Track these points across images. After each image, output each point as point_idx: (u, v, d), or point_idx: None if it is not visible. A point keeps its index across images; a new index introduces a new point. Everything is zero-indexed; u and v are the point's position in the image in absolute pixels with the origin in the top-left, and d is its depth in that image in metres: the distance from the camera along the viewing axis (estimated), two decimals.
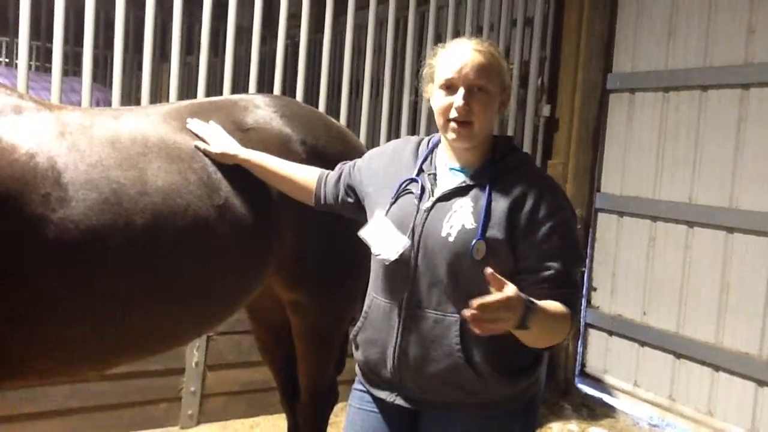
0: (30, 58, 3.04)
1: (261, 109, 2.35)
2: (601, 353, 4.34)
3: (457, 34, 4.21)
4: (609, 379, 4.26)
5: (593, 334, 4.40)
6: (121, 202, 1.93)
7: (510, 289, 1.46)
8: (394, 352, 1.74)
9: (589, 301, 4.40)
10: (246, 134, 2.23)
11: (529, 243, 1.67)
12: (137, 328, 2.04)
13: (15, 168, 1.81)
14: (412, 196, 1.77)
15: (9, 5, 2.97)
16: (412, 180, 1.80)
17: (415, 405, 1.76)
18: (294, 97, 3.60)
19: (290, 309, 2.45)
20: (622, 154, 4.24)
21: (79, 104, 3.11)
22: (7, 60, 4.60)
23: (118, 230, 1.92)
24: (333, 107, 3.92)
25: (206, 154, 2.13)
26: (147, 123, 2.13)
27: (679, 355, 3.85)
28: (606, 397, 4.21)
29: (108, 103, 3.29)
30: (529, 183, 1.71)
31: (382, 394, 1.80)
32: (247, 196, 2.16)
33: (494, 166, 1.75)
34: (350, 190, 1.98)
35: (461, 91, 1.70)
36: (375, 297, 1.81)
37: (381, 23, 4.09)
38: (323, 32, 3.68)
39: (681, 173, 3.88)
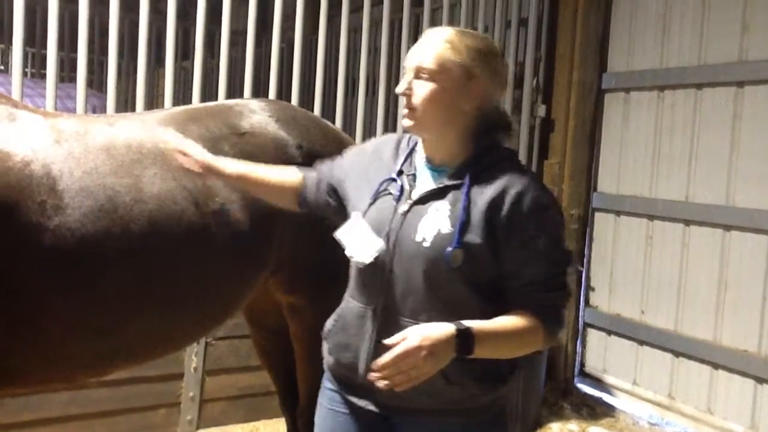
0: (25, 65, 3.03)
1: (257, 114, 2.34)
2: (600, 353, 4.34)
3: None
4: (608, 379, 4.26)
5: (592, 333, 4.40)
6: (117, 209, 1.93)
7: (409, 341, 1.44)
8: (367, 358, 1.64)
9: (587, 301, 4.40)
10: (242, 139, 2.22)
11: (510, 245, 1.58)
12: (134, 334, 2.04)
13: (10, 176, 1.81)
14: (391, 198, 1.70)
15: (3, 12, 2.95)
16: (392, 180, 1.73)
17: (386, 411, 1.70)
18: (289, 98, 3.61)
19: (288, 312, 2.44)
20: (619, 154, 4.24)
21: (75, 110, 3.10)
22: (1, 67, 4.59)
23: (114, 237, 1.92)
24: (329, 108, 3.92)
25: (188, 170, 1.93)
26: (142, 129, 2.13)
27: (677, 354, 3.85)
28: (605, 397, 4.22)
29: (104, 109, 3.28)
30: (509, 182, 1.61)
31: (353, 399, 1.74)
32: (242, 201, 2.16)
33: (473, 164, 1.65)
34: (331, 191, 1.87)
35: (408, 76, 1.66)
36: (350, 300, 1.75)
37: (376, 25, 4.09)
38: (318, 33, 3.68)
39: (677, 172, 3.89)
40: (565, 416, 4.03)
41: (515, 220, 1.58)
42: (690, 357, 3.79)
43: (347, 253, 1.69)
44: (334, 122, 3.25)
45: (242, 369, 3.36)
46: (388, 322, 1.62)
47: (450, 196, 1.63)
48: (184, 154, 1.91)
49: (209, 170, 1.90)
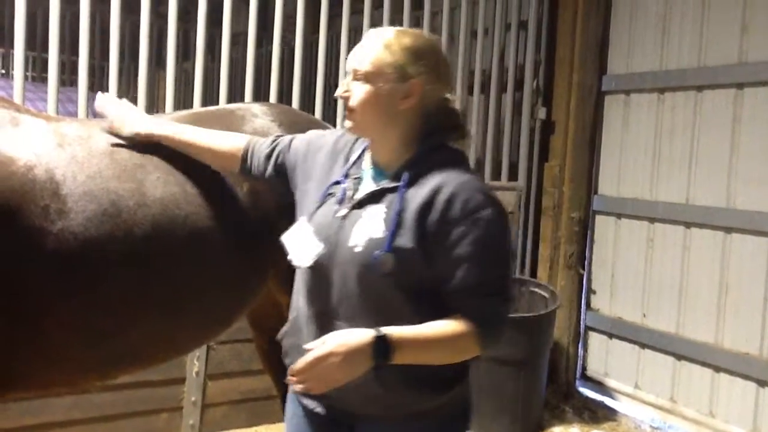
0: (26, 69, 3.02)
1: (259, 118, 2.34)
2: (602, 356, 4.34)
3: (452, 38, 4.23)
4: (610, 382, 4.26)
5: (593, 336, 4.40)
6: (120, 214, 1.92)
7: (324, 346, 1.45)
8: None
9: (588, 304, 4.40)
10: None
11: (440, 249, 1.55)
12: (137, 338, 2.03)
13: (13, 180, 1.80)
14: (334, 201, 1.70)
15: (3, 16, 2.95)
16: (338, 183, 1.72)
17: (335, 415, 1.69)
18: (290, 101, 3.61)
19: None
20: (619, 156, 4.24)
21: (76, 114, 3.10)
22: (3, 71, 4.58)
23: (117, 242, 1.91)
24: (329, 111, 3.92)
25: (118, 136, 2.05)
26: None
27: (679, 357, 3.85)
28: (607, 400, 4.21)
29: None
30: (442, 184, 1.57)
31: (306, 401, 1.74)
32: (245, 205, 2.15)
33: (412, 166, 1.62)
34: (281, 169, 1.90)
35: (347, 78, 1.67)
36: (300, 303, 1.75)
37: (376, 27, 4.08)
38: (318, 35, 3.68)
39: (678, 174, 3.89)
40: (567, 420, 4.03)
41: (445, 223, 1.54)
42: (691, 360, 3.79)
43: (289, 257, 1.71)
44: (334, 125, 3.25)
45: (244, 373, 3.35)
46: (327, 327, 1.61)
47: (386, 199, 1.61)
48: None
49: (144, 137, 2.04)
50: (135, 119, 2.09)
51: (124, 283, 1.94)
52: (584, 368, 4.45)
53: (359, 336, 1.47)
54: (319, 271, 1.66)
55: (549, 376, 4.05)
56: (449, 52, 4.21)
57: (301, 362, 1.46)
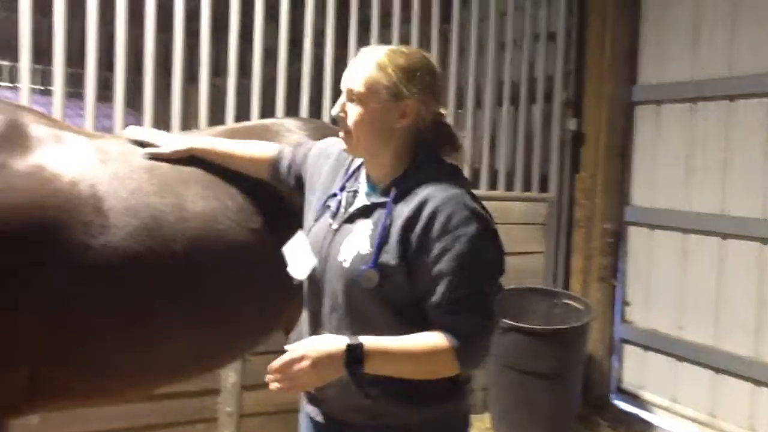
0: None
1: (293, 133, 2.37)
2: (637, 368, 4.28)
3: (481, 50, 4.23)
4: (646, 395, 4.19)
5: (628, 349, 4.34)
6: (161, 229, 1.95)
7: (297, 350, 1.48)
8: None
9: (622, 316, 4.35)
10: None
11: (422, 264, 1.55)
12: (176, 351, 2.06)
13: (59, 197, 1.84)
14: (329, 214, 1.73)
15: (42, 34, 3.03)
16: (334, 196, 1.75)
17: (334, 423, 1.71)
18: (320, 115, 3.64)
19: None
20: (651, 167, 4.20)
21: (112, 130, 3.16)
22: (41, 87, 4.69)
23: (158, 256, 1.94)
24: None
25: (159, 158, 2.10)
26: None
27: (717, 370, 3.77)
28: (643, 413, 4.14)
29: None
30: (430, 198, 1.57)
31: (309, 409, 1.79)
32: (282, 221, 2.17)
33: (401, 182, 1.63)
34: (299, 178, 1.97)
35: (342, 98, 1.68)
36: (304, 312, 1.80)
37: (405, 41, 4.11)
38: (347, 49, 3.71)
39: (712, 184, 3.84)
40: None
41: (426, 238, 1.54)
42: (730, 373, 3.71)
43: (287, 269, 1.75)
44: None
45: None
46: (319, 326, 1.68)
47: (375, 214, 1.63)
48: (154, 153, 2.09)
49: (183, 153, 2.11)
50: (171, 139, 2.17)
51: (164, 296, 1.97)
52: (619, 381, 4.38)
53: (333, 343, 1.50)
54: (314, 283, 1.71)
55: (583, 388, 4.01)
56: (478, 64, 4.22)
57: (276, 362, 1.51)
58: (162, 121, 3.30)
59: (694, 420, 3.90)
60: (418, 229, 1.55)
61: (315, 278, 1.70)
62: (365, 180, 1.73)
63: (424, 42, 4.20)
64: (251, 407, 3.32)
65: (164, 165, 2.08)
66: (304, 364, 1.48)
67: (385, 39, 3.90)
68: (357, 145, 1.67)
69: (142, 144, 2.14)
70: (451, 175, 1.65)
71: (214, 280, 2.04)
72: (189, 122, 3.38)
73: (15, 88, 2.84)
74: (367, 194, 1.70)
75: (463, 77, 4.22)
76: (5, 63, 8.11)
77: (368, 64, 1.64)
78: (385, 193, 1.64)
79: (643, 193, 4.27)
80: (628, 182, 4.34)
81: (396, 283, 1.57)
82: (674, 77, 4.06)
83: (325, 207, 1.76)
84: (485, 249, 1.57)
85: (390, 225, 1.58)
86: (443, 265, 1.53)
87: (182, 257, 1.97)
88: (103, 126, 3.28)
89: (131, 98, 3.33)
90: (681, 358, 3.98)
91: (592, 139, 4.37)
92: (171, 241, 1.96)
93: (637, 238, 4.30)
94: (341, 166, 1.82)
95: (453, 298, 1.53)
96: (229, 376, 3.27)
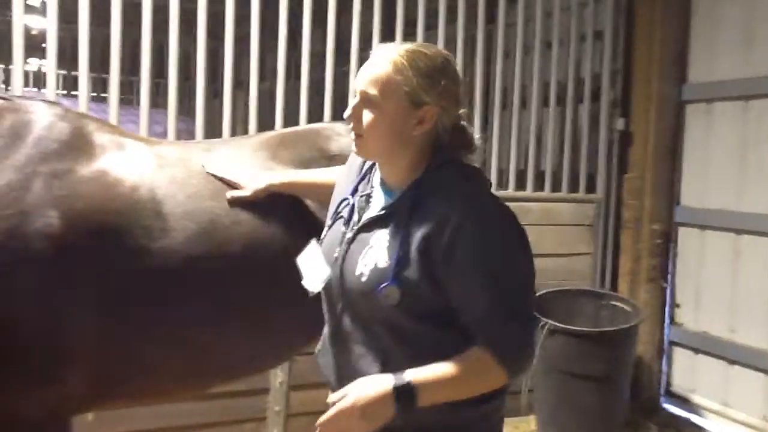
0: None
1: (344, 137, 2.39)
2: (687, 372, 4.20)
3: (527, 50, 4.21)
4: (696, 399, 4.12)
5: (678, 352, 4.26)
6: (217, 232, 2.00)
7: (345, 400, 1.41)
8: (336, 380, 1.65)
9: (672, 318, 4.28)
10: (332, 161, 2.28)
11: (451, 279, 1.46)
12: (228, 352, 2.11)
13: (120, 201, 1.91)
14: (342, 222, 1.63)
15: (98, 42, 3.13)
16: (346, 201, 1.65)
17: None
18: None
19: None
20: (702, 166, 4.12)
21: (163, 136, 3.24)
22: (94, 94, 4.83)
23: (213, 259, 1.99)
24: None
25: (241, 200, 2.06)
26: (238, 155, 2.21)
27: None
28: (694, 417, 4.07)
29: (190, 134, 3.42)
30: (452, 205, 1.46)
31: None
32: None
33: (419, 189, 1.52)
34: None
35: (355, 99, 1.55)
36: (326, 322, 1.73)
37: (450, 42, 4.11)
38: None
39: (765, 184, 3.75)
40: None
41: (452, 251, 1.44)
42: None
43: (303, 281, 1.67)
44: None
45: (325, 385, 3.39)
46: (345, 348, 1.60)
47: (392, 224, 1.52)
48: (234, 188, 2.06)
49: (264, 191, 2.06)
50: (249, 177, 2.09)
51: (218, 298, 2.02)
52: (668, 384, 4.32)
53: (379, 385, 1.42)
54: (330, 296, 1.63)
55: (632, 391, 3.95)
56: (524, 64, 4.20)
57: (324, 417, 1.44)
58: (211, 126, 3.37)
59: (746, 424, 3.81)
60: (441, 243, 1.45)
61: (331, 291, 1.62)
62: (379, 183, 1.64)
63: (470, 42, 4.21)
64: (298, 407, 3.37)
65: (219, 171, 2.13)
66: (354, 415, 1.41)
67: (431, 40, 3.89)
68: (369, 151, 1.58)
69: (222, 180, 2.11)
70: (470, 178, 1.56)
71: (264, 283, 2.08)
72: (237, 127, 3.45)
73: (71, 96, 2.94)
74: (385, 199, 1.59)
75: (508, 78, 4.21)
76: (62, 72, 8.38)
77: (383, 65, 1.52)
78: (401, 200, 1.54)
79: (693, 193, 4.19)
80: (678, 182, 4.27)
81: (420, 296, 1.48)
82: (726, 75, 3.97)
83: (338, 215, 1.67)
84: (514, 258, 1.51)
85: (409, 236, 1.48)
86: (472, 279, 1.45)
87: (235, 260, 2.01)
88: (155, 132, 3.37)
89: (181, 104, 3.41)
90: (733, 361, 3.90)
91: (641, 138, 4.30)
92: (226, 245, 2.01)
93: (687, 238, 4.22)
94: (353, 167, 1.74)
95: (487, 312, 1.46)
96: (278, 375, 3.32)
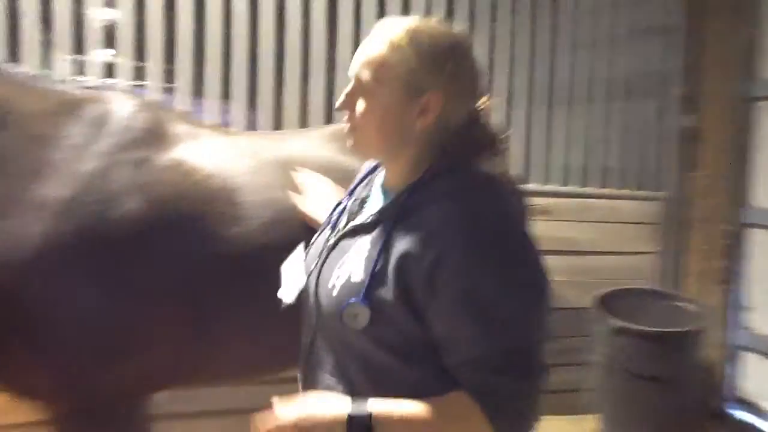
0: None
1: None
2: (758, 377, 4.06)
3: (593, 42, 4.13)
4: (766, 405, 3.98)
5: (747, 356, 4.12)
6: (287, 222, 2.02)
7: (290, 412, 1.20)
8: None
9: (741, 322, 4.14)
10: None
11: (433, 307, 1.19)
12: (291, 338, 2.13)
13: (197, 189, 1.95)
14: (330, 226, 1.45)
15: (169, 33, 3.21)
16: (341, 204, 1.48)
17: None
18: None
19: None
20: None
21: (232, 126, 3.30)
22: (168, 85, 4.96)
23: (284, 248, 2.01)
24: None
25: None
26: (309, 146, 2.24)
27: None
28: (764, 425, 3.94)
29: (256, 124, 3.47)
30: (443, 223, 1.18)
31: None
32: None
33: (416, 192, 1.27)
34: None
35: (349, 85, 1.33)
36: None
37: (512, 34, 4.07)
38: None
39: None
40: None
41: (436, 275, 1.17)
42: None
43: (279, 290, 1.48)
44: None
45: None
46: (312, 374, 1.39)
47: (376, 232, 1.28)
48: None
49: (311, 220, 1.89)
50: (316, 200, 1.96)
51: None
52: (737, 390, 4.19)
53: (332, 409, 1.20)
54: (304, 309, 1.42)
55: (699, 396, 3.85)
56: (590, 59, 4.12)
57: (261, 422, 1.25)
58: (277, 119, 3.41)
59: None
60: (421, 270, 1.18)
61: (304, 304, 1.42)
62: (380, 185, 1.42)
63: (533, 35, 4.15)
64: None
65: (290, 161, 2.16)
66: (292, 430, 1.20)
67: (494, 33, 3.88)
68: (364, 146, 1.34)
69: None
70: (479, 189, 1.27)
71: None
72: (304, 118, 3.48)
73: (143, 87, 3.02)
74: (380, 203, 1.37)
75: (574, 71, 4.14)
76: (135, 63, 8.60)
77: (380, 44, 1.27)
78: (392, 205, 1.30)
79: (764, 193, 4.05)
80: (747, 182, 4.13)
81: (393, 322, 1.22)
82: None
83: (331, 218, 1.48)
84: (515, 290, 1.19)
85: (390, 248, 1.23)
86: (462, 317, 1.18)
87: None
88: (223, 123, 3.43)
89: (247, 96, 3.46)
90: None
91: (709, 136, 4.18)
92: (296, 235, 2.03)
93: (757, 240, 4.08)
94: (366, 166, 1.55)
95: (485, 353, 1.18)
96: None
